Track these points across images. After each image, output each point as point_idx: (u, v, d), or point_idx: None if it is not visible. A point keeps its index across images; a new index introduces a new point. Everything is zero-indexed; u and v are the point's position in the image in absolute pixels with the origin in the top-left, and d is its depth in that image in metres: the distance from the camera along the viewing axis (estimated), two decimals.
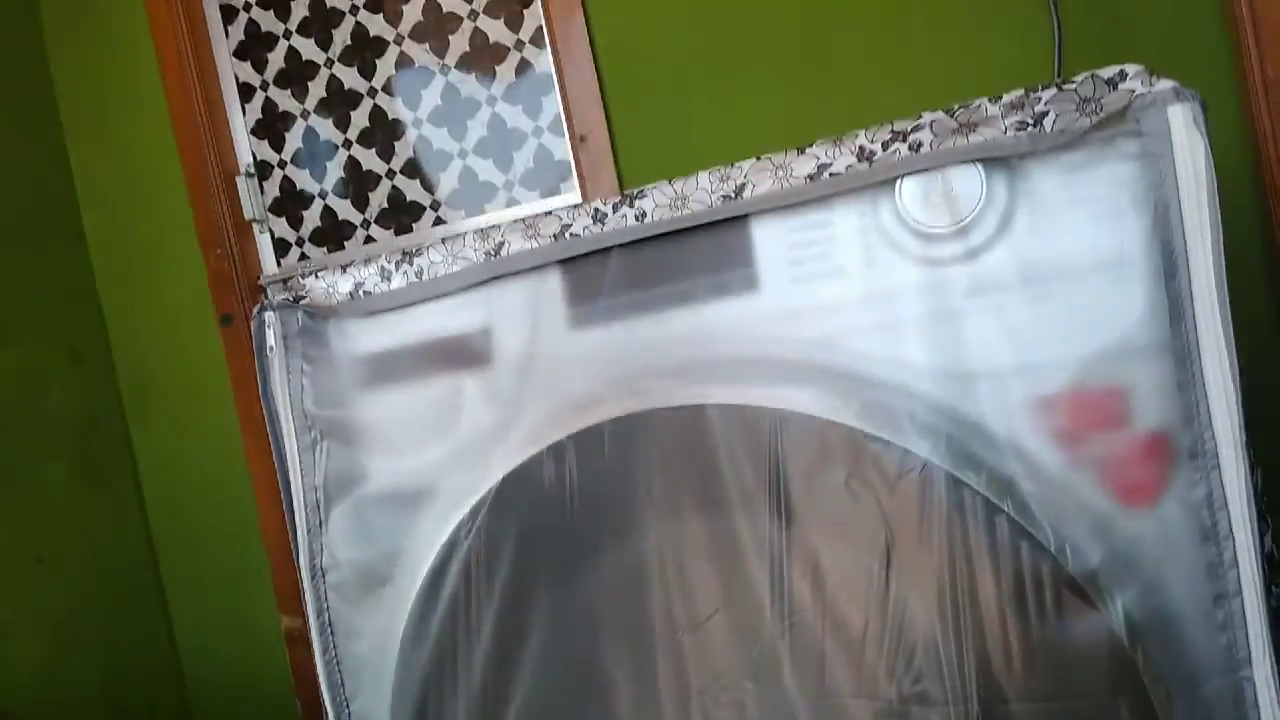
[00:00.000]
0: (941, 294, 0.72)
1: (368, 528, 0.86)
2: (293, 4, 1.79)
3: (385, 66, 1.74)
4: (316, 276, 0.88)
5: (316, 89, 1.79)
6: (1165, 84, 0.68)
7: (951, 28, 1.35)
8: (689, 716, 0.77)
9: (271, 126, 1.84)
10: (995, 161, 0.71)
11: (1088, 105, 0.69)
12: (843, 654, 0.72)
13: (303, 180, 1.82)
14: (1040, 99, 0.70)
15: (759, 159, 0.76)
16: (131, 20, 1.84)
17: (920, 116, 0.72)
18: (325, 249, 1.83)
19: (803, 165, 0.74)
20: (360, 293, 0.86)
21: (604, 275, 0.79)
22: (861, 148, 0.73)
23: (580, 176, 1.58)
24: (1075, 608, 0.66)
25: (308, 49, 1.79)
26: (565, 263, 0.80)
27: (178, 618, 1.92)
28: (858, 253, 0.74)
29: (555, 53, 1.59)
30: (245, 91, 1.85)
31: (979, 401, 0.70)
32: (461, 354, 0.83)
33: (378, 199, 1.77)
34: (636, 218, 0.78)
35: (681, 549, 0.76)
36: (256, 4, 1.82)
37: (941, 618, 0.69)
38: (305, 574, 0.88)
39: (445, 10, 1.69)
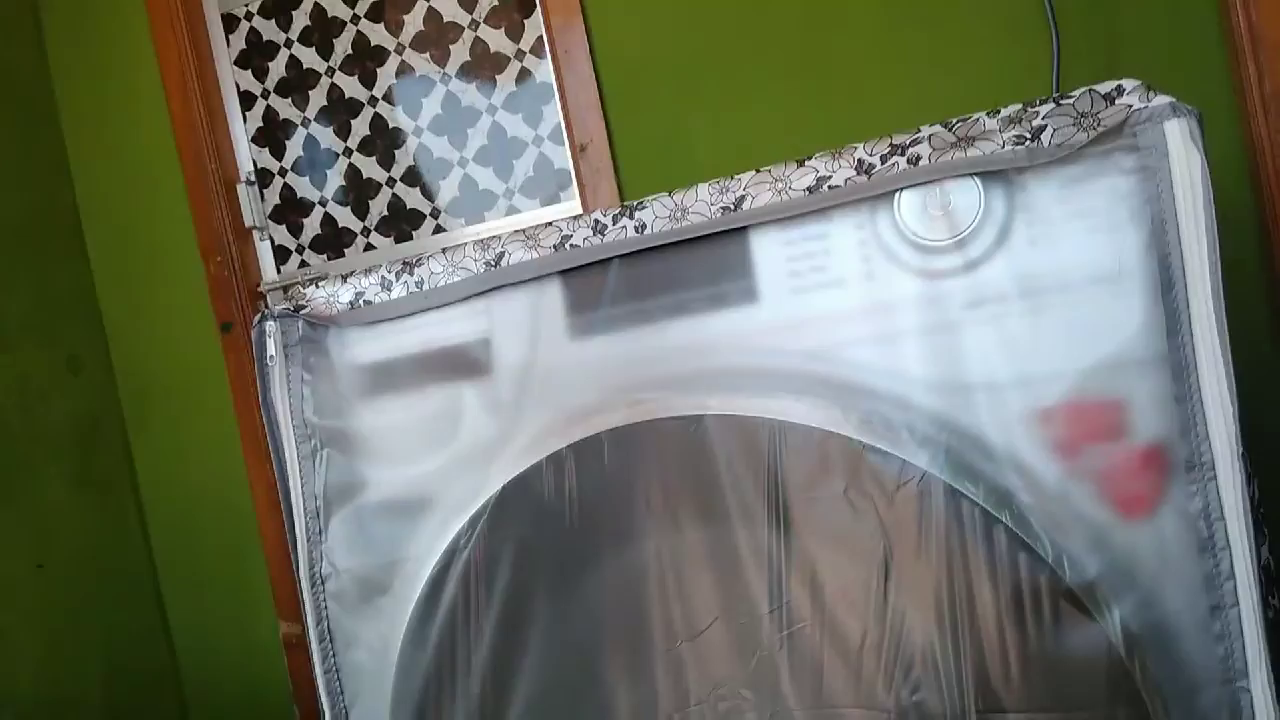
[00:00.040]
0: (940, 306, 0.72)
1: (367, 536, 0.86)
2: (294, 13, 1.79)
3: (386, 75, 1.75)
4: (317, 286, 0.89)
5: (317, 97, 1.80)
6: (1162, 99, 0.69)
7: (951, 40, 1.36)
8: None
9: (272, 134, 1.84)
10: (993, 175, 0.71)
11: (1085, 120, 0.69)
12: (841, 664, 0.72)
13: (303, 188, 1.83)
14: (1038, 113, 0.70)
15: (758, 171, 0.76)
16: (133, 28, 1.84)
17: (918, 130, 0.73)
18: (325, 256, 1.83)
19: (801, 178, 0.75)
20: (361, 302, 0.86)
21: (604, 286, 0.80)
22: (860, 160, 0.74)
23: (580, 185, 1.59)
24: (1073, 619, 0.66)
25: (309, 58, 1.80)
26: (565, 273, 0.81)
27: (176, 624, 1.92)
28: (856, 265, 0.74)
29: (556, 62, 1.59)
30: (246, 100, 1.85)
31: (977, 413, 0.71)
32: (461, 364, 0.84)
33: (378, 207, 1.78)
34: (636, 229, 0.78)
35: (680, 559, 0.76)
36: (258, 13, 1.82)
37: (940, 628, 0.69)
38: (305, 582, 0.88)
39: (446, 20, 1.70)
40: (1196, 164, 0.67)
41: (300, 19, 1.79)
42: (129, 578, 1.88)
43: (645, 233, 0.78)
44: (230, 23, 1.85)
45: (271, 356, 0.88)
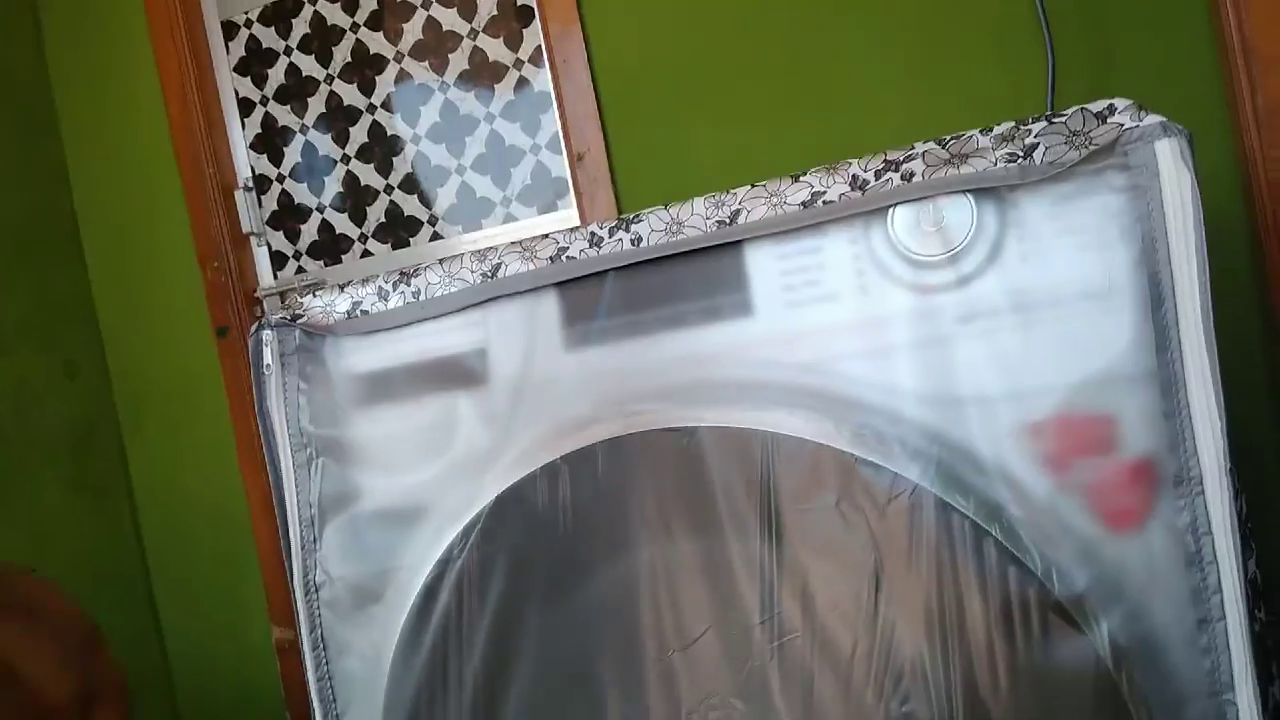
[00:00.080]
0: (932, 320, 0.73)
1: (361, 545, 0.86)
2: (294, 21, 1.80)
3: (385, 83, 1.76)
4: (314, 295, 0.89)
5: (316, 105, 1.81)
6: (1153, 119, 0.69)
7: (947, 57, 1.37)
8: None
9: (271, 141, 1.85)
10: (986, 191, 0.72)
11: (1077, 138, 0.70)
12: (831, 675, 0.72)
13: (301, 194, 1.84)
14: (1030, 131, 0.71)
15: (753, 186, 0.77)
16: (132, 34, 1.85)
17: (913, 147, 0.74)
18: (322, 263, 1.84)
19: (796, 192, 0.76)
20: (358, 312, 0.87)
21: (599, 298, 0.80)
22: (855, 176, 0.75)
23: (578, 194, 1.60)
24: (1061, 631, 0.67)
25: (308, 65, 1.80)
26: (561, 285, 0.81)
27: (169, 628, 1.92)
28: (850, 279, 0.75)
29: (554, 71, 1.60)
30: (245, 106, 1.86)
31: (968, 427, 0.71)
32: (457, 374, 0.84)
33: (375, 214, 1.79)
34: (632, 242, 0.79)
35: (673, 570, 0.76)
36: (258, 20, 1.83)
37: (929, 640, 0.69)
38: (299, 590, 0.88)
39: (445, 29, 1.71)
40: (1187, 183, 0.68)
41: (300, 27, 1.80)
42: (123, 582, 1.88)
43: (641, 245, 0.79)
44: (230, 30, 1.86)
45: (268, 365, 0.89)
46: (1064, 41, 1.28)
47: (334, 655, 0.88)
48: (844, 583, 0.72)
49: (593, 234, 0.80)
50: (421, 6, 1.72)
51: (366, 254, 1.80)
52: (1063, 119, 0.71)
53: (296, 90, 1.82)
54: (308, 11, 1.79)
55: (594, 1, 1.56)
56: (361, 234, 1.80)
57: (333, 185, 1.81)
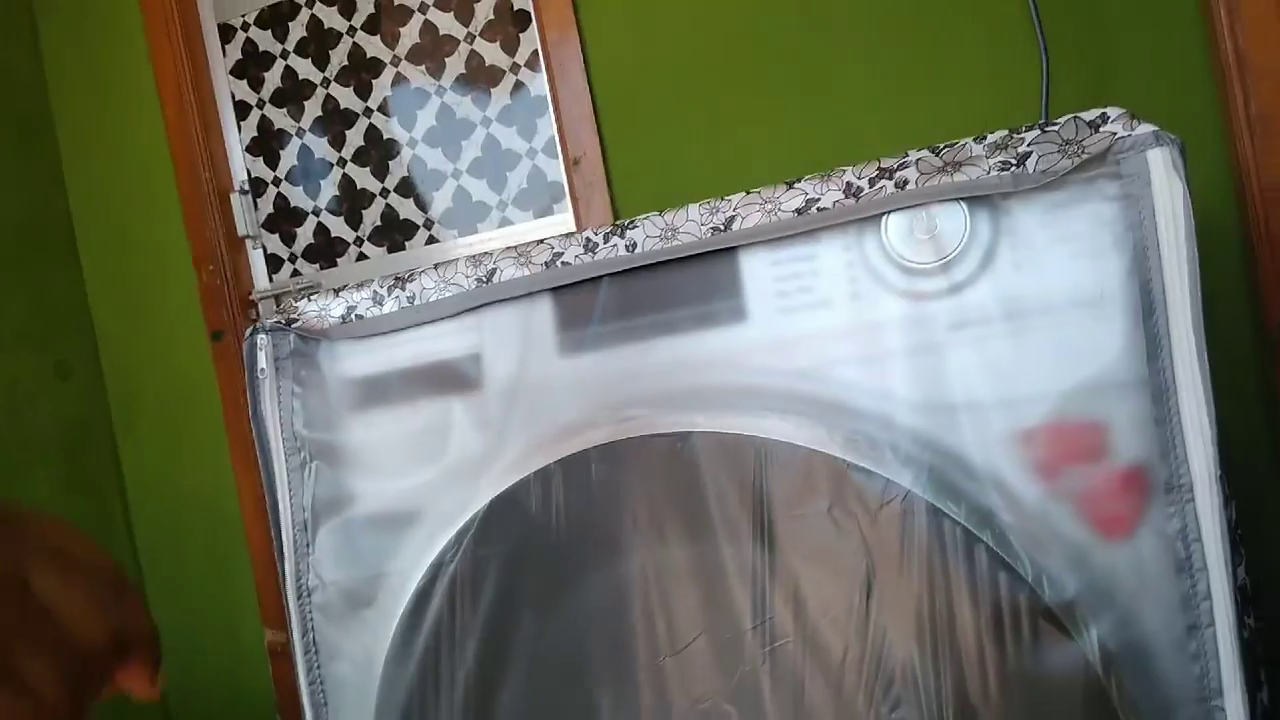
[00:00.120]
0: (925, 327, 0.73)
1: (354, 549, 0.86)
2: (290, 24, 1.80)
3: (381, 87, 1.76)
4: (309, 299, 0.89)
5: (312, 108, 1.81)
6: (1146, 128, 0.70)
7: (943, 64, 1.38)
8: None
9: (267, 144, 1.85)
10: (979, 199, 0.72)
11: (1070, 147, 0.71)
12: (822, 680, 0.72)
13: (296, 197, 1.84)
14: (1023, 140, 0.72)
15: (748, 193, 0.77)
16: (129, 37, 1.85)
17: (906, 154, 0.74)
18: (318, 266, 1.84)
19: (791, 200, 0.76)
20: (352, 316, 0.87)
21: (594, 303, 0.80)
22: (849, 184, 0.75)
23: (574, 199, 1.60)
24: (1051, 637, 0.67)
25: (304, 68, 1.81)
26: (556, 290, 0.81)
27: (161, 630, 1.91)
28: (843, 286, 0.75)
29: (550, 76, 1.61)
30: (241, 109, 1.86)
31: (960, 433, 0.72)
32: (451, 378, 0.84)
33: (371, 217, 1.79)
34: (627, 248, 0.79)
35: (665, 575, 0.76)
36: (254, 24, 1.83)
37: (920, 646, 0.69)
38: (291, 594, 0.88)
39: (442, 33, 1.71)
40: (1179, 192, 0.69)
41: (297, 30, 1.80)
42: None
43: (636, 251, 0.79)
44: (226, 33, 1.86)
45: (262, 370, 0.89)
46: (1059, 49, 1.28)
47: (325, 659, 0.88)
48: (835, 588, 0.72)
49: (588, 240, 0.80)
50: (418, 10, 1.72)
51: (362, 257, 1.80)
52: (1055, 127, 0.71)
53: (293, 93, 1.82)
54: (305, 15, 1.79)
55: (591, 7, 1.57)
56: (357, 237, 1.80)
57: (329, 188, 1.81)
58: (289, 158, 1.84)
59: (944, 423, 0.72)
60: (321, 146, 1.81)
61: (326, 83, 1.79)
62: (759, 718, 0.75)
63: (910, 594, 0.69)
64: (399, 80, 1.75)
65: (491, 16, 1.69)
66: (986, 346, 0.72)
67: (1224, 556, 0.68)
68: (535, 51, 1.66)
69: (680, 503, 0.76)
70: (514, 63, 1.68)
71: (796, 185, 0.76)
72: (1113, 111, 0.71)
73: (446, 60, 1.72)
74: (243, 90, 1.86)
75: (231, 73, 1.86)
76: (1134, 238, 0.70)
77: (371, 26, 1.76)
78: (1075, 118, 0.71)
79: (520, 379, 0.82)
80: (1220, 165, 1.26)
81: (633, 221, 0.80)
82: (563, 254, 0.81)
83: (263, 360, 0.89)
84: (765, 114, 1.48)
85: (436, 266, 0.85)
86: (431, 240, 1.75)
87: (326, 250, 1.83)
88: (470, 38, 1.70)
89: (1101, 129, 0.71)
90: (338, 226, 1.81)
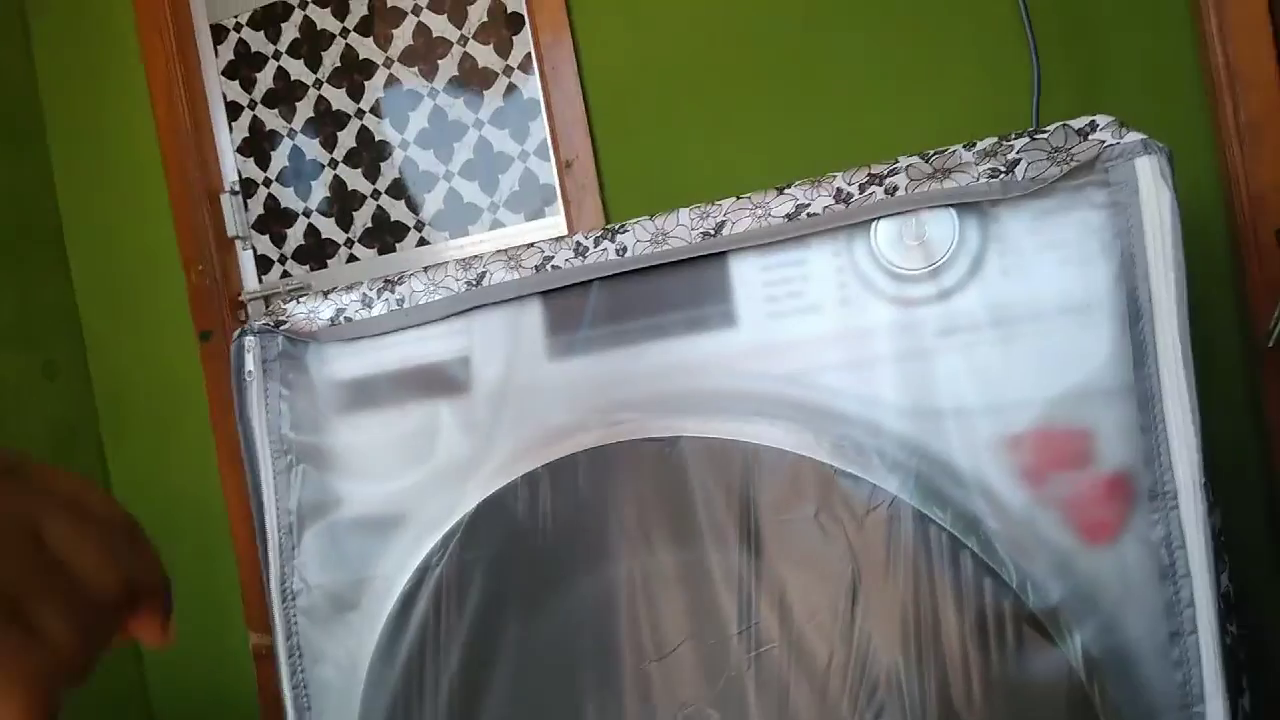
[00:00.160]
0: (913, 333, 0.73)
1: (340, 552, 0.86)
2: (283, 25, 1.80)
3: (374, 88, 1.76)
4: (298, 301, 0.89)
5: (304, 109, 1.80)
6: (1134, 136, 0.70)
7: (936, 71, 1.39)
8: None
9: (258, 145, 1.85)
10: (968, 206, 0.72)
11: (1059, 154, 0.71)
12: (807, 685, 0.72)
13: (287, 198, 1.83)
14: (1013, 147, 0.72)
15: (738, 198, 0.77)
16: (121, 37, 1.84)
17: (896, 160, 0.74)
18: (308, 267, 1.83)
19: (781, 205, 0.76)
20: (341, 319, 0.87)
21: (584, 307, 0.80)
22: (839, 189, 0.75)
23: (565, 201, 1.60)
24: (1035, 644, 0.67)
25: (296, 69, 1.80)
26: (546, 294, 0.81)
27: None
28: (833, 291, 0.75)
29: (543, 79, 1.61)
30: (233, 110, 1.86)
31: (947, 439, 0.72)
32: (440, 381, 0.84)
33: (362, 218, 1.78)
34: (618, 252, 0.79)
35: (652, 579, 0.76)
36: (247, 24, 1.83)
37: (905, 651, 0.70)
38: (275, 597, 0.88)
39: (435, 35, 1.71)
40: (1166, 200, 0.69)
41: (289, 31, 1.80)
42: None
43: (626, 255, 0.79)
44: (219, 33, 1.85)
45: (249, 372, 0.88)
46: (1050, 56, 1.29)
47: (309, 663, 0.88)
48: (821, 594, 0.72)
49: (578, 244, 0.80)
50: (411, 12, 1.72)
51: (353, 259, 1.80)
52: (1045, 135, 0.71)
53: (285, 94, 1.82)
54: (297, 16, 1.79)
55: (584, 10, 1.57)
56: (348, 239, 1.80)
57: (320, 190, 1.81)
58: (280, 159, 1.83)
59: (931, 428, 0.72)
60: (313, 147, 1.81)
61: (319, 84, 1.79)
62: None
63: (895, 599, 0.70)
64: (391, 82, 1.75)
65: (485, 19, 1.69)
66: (974, 353, 0.72)
67: (1207, 563, 0.68)
68: (528, 54, 1.66)
69: (668, 507, 0.76)
70: (507, 65, 1.68)
71: (787, 190, 0.76)
72: (1102, 119, 0.71)
73: (439, 62, 1.72)
74: (234, 91, 1.85)
75: (223, 73, 1.86)
76: (1121, 245, 0.70)
77: (364, 28, 1.76)
78: (1064, 125, 0.71)
79: (509, 382, 0.82)
80: (1209, 172, 1.26)
81: (623, 225, 0.80)
82: (553, 258, 0.81)
83: (250, 362, 0.88)
84: (757, 119, 1.48)
85: (426, 269, 0.85)
86: (423, 242, 1.75)
87: (317, 252, 1.82)
88: (463, 40, 1.70)
89: (1090, 137, 0.71)
90: (328, 228, 1.81)
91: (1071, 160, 0.71)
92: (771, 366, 0.76)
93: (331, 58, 1.78)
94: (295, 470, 0.87)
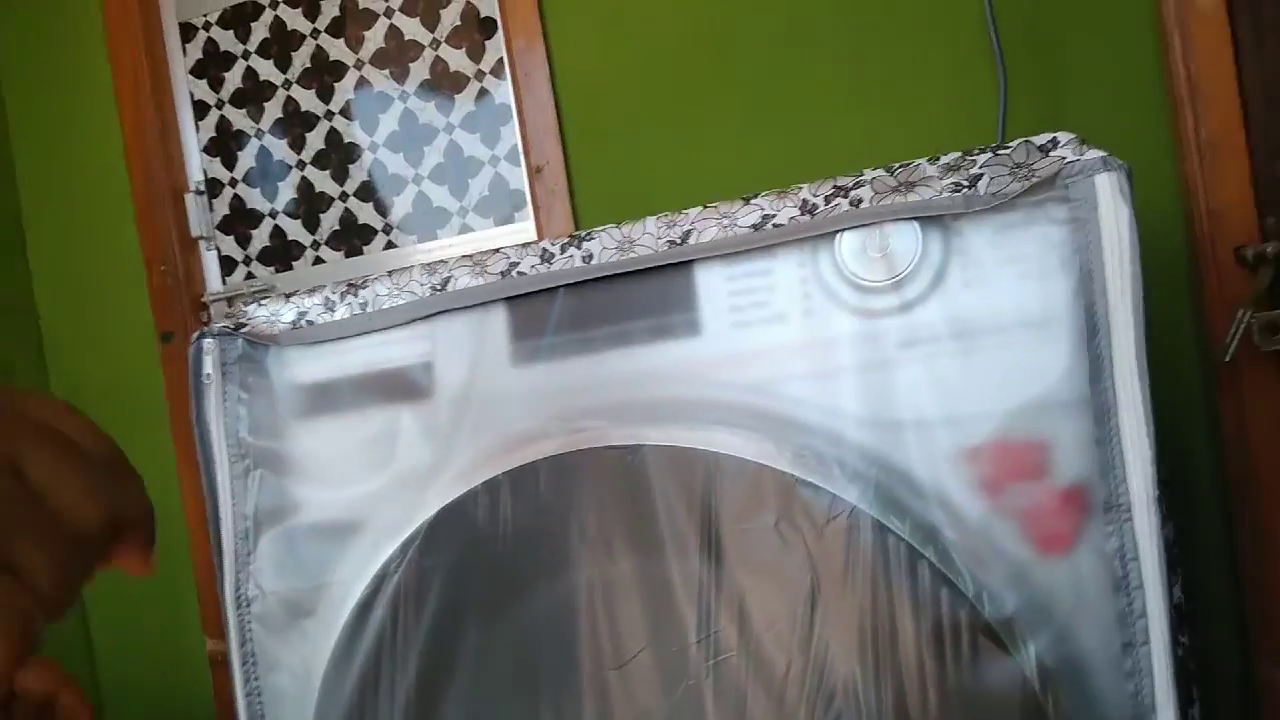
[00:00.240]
0: (875, 344, 0.74)
1: (296, 559, 0.85)
2: (253, 25, 1.79)
3: (344, 90, 1.75)
4: (259, 304, 0.88)
5: (273, 109, 1.79)
6: (1094, 153, 0.71)
7: (905, 86, 1.40)
8: None
9: (225, 145, 1.83)
10: (931, 219, 0.73)
11: (1020, 170, 0.72)
12: (764, 694, 0.73)
13: (253, 199, 1.81)
14: (976, 162, 0.73)
15: (705, 207, 0.78)
16: (88, 34, 1.82)
17: (861, 173, 0.75)
18: (273, 269, 1.82)
19: (747, 215, 0.76)
20: (303, 322, 0.86)
21: (549, 314, 0.80)
22: (804, 201, 0.76)
23: (535, 207, 1.60)
24: (990, 653, 0.68)
25: (266, 70, 1.79)
26: (511, 300, 0.81)
27: (99, 637, 1.87)
28: (797, 302, 0.76)
29: (515, 84, 1.60)
30: (200, 109, 1.84)
31: (907, 450, 0.72)
32: (402, 387, 0.83)
33: (329, 221, 1.77)
34: (584, 259, 0.79)
35: (612, 587, 0.76)
36: (216, 23, 1.81)
37: (862, 660, 0.70)
38: (229, 604, 0.87)
39: (407, 38, 1.71)
40: (1125, 217, 0.70)
41: (259, 31, 1.78)
42: None
43: (592, 263, 0.79)
44: (188, 32, 1.83)
45: (208, 375, 0.87)
46: (1017, 73, 1.31)
47: (264, 670, 0.87)
48: (780, 602, 0.72)
49: (544, 250, 0.80)
50: (384, 15, 1.71)
51: (319, 261, 1.78)
52: (1007, 151, 0.72)
53: (253, 94, 1.80)
54: (268, 16, 1.78)
55: (558, 16, 1.57)
56: (314, 241, 1.78)
57: (287, 191, 1.79)
58: (247, 159, 1.81)
59: (892, 439, 0.73)
60: (281, 148, 1.79)
61: (288, 84, 1.78)
62: None
63: (854, 609, 0.70)
64: (362, 84, 1.73)
65: (458, 23, 1.68)
66: (935, 364, 0.73)
67: (1160, 575, 0.69)
68: (501, 59, 1.65)
69: (629, 515, 0.76)
70: (479, 70, 1.67)
71: (753, 201, 0.77)
72: (1063, 136, 0.72)
73: (411, 66, 1.71)
74: (202, 90, 1.83)
75: (191, 72, 1.84)
76: (1080, 260, 0.71)
77: (336, 29, 1.74)
78: (1026, 142, 0.72)
79: (472, 388, 0.82)
80: (1170, 188, 1.28)
81: (590, 233, 0.80)
82: (518, 264, 0.81)
83: (209, 365, 0.87)
84: (729, 129, 1.49)
85: (390, 273, 0.85)
86: (390, 246, 1.74)
87: (283, 253, 1.81)
88: (435, 44, 1.69)
89: (1051, 153, 0.72)
90: (295, 230, 1.79)
91: (1033, 176, 0.72)
92: (735, 376, 0.77)
93: (301, 58, 1.76)
94: (252, 475, 0.86)
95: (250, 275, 1.83)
